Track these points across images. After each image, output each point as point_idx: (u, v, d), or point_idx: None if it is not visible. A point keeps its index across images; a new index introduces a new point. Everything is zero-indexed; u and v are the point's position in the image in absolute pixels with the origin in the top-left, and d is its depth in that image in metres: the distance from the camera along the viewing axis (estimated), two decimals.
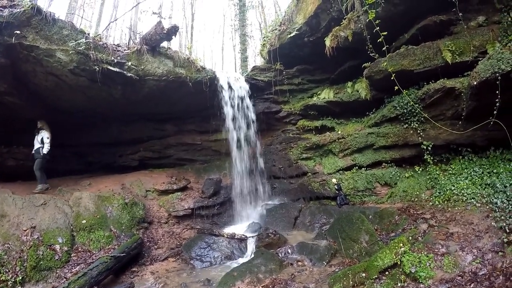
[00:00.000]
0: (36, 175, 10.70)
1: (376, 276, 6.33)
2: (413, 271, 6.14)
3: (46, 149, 10.77)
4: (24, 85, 10.17)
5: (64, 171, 13.45)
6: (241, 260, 8.83)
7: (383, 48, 9.06)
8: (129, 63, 10.29)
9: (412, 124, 9.99)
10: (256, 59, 28.78)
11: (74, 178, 13.04)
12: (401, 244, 6.63)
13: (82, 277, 7.05)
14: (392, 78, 8.93)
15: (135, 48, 10.53)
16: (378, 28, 8.80)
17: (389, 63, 9.69)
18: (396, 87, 9.13)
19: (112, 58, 9.99)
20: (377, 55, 10.07)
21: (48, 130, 11.07)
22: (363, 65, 10.83)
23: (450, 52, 9.03)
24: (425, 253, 6.54)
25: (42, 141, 10.85)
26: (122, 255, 8.19)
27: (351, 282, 6.36)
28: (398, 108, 10.22)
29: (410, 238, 7.13)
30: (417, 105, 9.67)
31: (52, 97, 10.86)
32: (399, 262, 6.41)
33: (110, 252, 8.42)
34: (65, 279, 7.59)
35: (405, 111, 10.03)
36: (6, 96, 10.13)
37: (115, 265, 7.94)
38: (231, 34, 35.38)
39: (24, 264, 7.71)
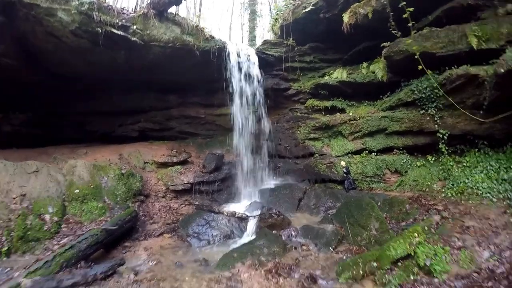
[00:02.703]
0: None
1: (389, 267, 6.02)
2: (428, 264, 5.84)
3: None
4: (23, 47, 9.93)
5: (60, 140, 13.12)
6: (240, 240, 8.51)
7: (409, 24, 8.61)
8: (134, 27, 9.86)
9: (430, 111, 9.62)
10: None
11: (70, 146, 12.63)
12: (416, 234, 6.32)
13: (69, 249, 6.60)
14: (416, 57, 8.62)
15: (142, 11, 10.04)
16: (404, 3, 8.28)
17: (410, 45, 9.28)
18: (416, 69, 8.72)
19: (117, 20, 9.55)
20: (399, 33, 9.59)
21: None
22: (382, 44, 10.33)
23: (476, 38, 8.60)
24: (441, 245, 6.22)
25: None
26: (114, 228, 7.75)
27: (361, 272, 6.06)
28: (416, 92, 9.79)
29: (426, 228, 6.77)
30: (436, 90, 9.25)
31: (52, 60, 10.53)
32: (412, 253, 6.12)
33: (102, 224, 8.01)
34: (51, 252, 7.17)
35: (423, 96, 9.62)
36: (3, 58, 9.81)
37: (106, 238, 7.51)
38: (240, 12, 34.57)
39: (11, 234, 7.34)
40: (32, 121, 12.75)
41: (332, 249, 7.48)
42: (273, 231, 8.32)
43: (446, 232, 6.68)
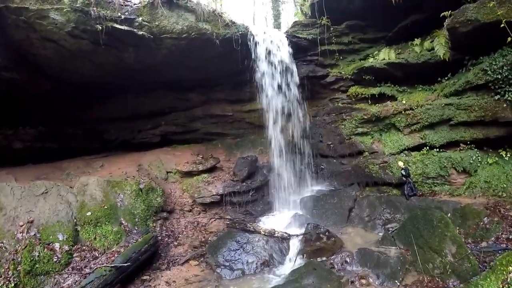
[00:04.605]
0: None
1: None
2: None
3: None
4: (21, 58, 9.56)
5: (77, 151, 12.71)
6: (282, 269, 7.66)
7: None
8: (140, 19, 9.14)
9: (507, 95, 8.51)
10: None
11: (86, 159, 12.21)
12: (511, 268, 5.08)
13: None
14: (502, 25, 7.42)
15: (147, 0, 9.26)
16: None
17: (479, 12, 8.05)
18: (487, 43, 7.94)
19: (119, 14, 8.88)
20: None
21: None
22: (442, 14, 8.99)
23: None
24: None
25: None
26: (126, 264, 7.05)
27: None
28: (489, 72, 8.57)
29: None
30: None
31: (55, 68, 10.19)
32: None
33: (113, 258, 7.28)
34: None
35: (499, 77, 8.43)
36: (2, 72, 9.46)
37: (117, 277, 6.91)
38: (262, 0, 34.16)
39: (18, 268, 6.98)
40: (44, 134, 12.42)
41: (398, 283, 6.43)
42: (322, 258, 7.50)
43: None
